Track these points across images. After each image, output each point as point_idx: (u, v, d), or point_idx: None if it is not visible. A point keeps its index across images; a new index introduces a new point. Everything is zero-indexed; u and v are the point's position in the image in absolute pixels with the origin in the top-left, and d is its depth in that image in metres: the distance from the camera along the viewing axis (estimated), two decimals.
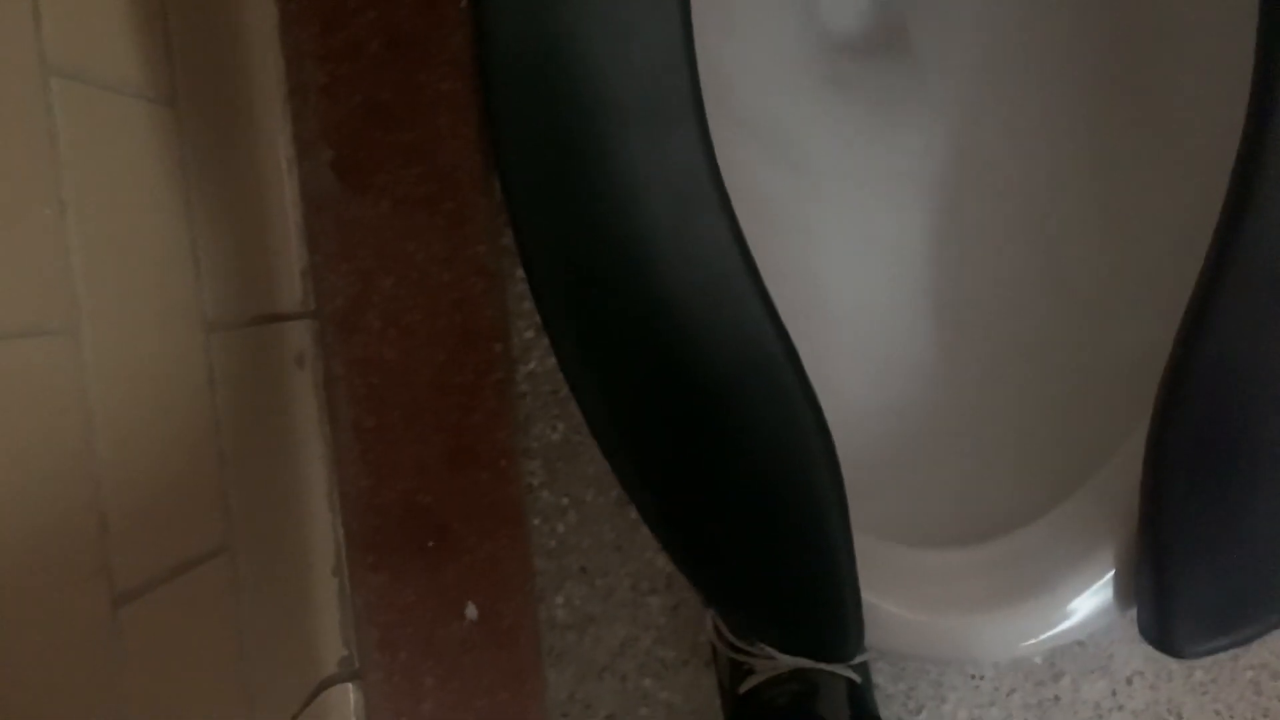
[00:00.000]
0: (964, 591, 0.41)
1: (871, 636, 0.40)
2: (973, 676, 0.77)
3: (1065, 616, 0.42)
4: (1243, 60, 0.39)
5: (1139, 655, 0.77)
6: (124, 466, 0.45)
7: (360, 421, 0.74)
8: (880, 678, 0.78)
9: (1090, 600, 0.42)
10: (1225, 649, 0.42)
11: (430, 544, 0.77)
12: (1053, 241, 0.49)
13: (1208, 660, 0.76)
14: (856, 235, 0.50)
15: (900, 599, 0.41)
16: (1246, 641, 0.42)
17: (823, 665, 0.63)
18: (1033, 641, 0.42)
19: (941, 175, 0.48)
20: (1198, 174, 0.42)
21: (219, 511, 0.60)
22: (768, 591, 0.40)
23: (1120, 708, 0.78)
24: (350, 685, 0.77)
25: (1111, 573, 0.42)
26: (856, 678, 0.67)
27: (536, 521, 0.76)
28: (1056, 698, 0.78)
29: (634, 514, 0.77)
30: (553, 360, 0.77)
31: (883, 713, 0.77)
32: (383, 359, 0.74)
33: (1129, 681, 0.78)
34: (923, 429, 0.48)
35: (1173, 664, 0.77)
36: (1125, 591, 0.43)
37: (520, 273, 0.77)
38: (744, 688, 0.66)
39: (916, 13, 0.52)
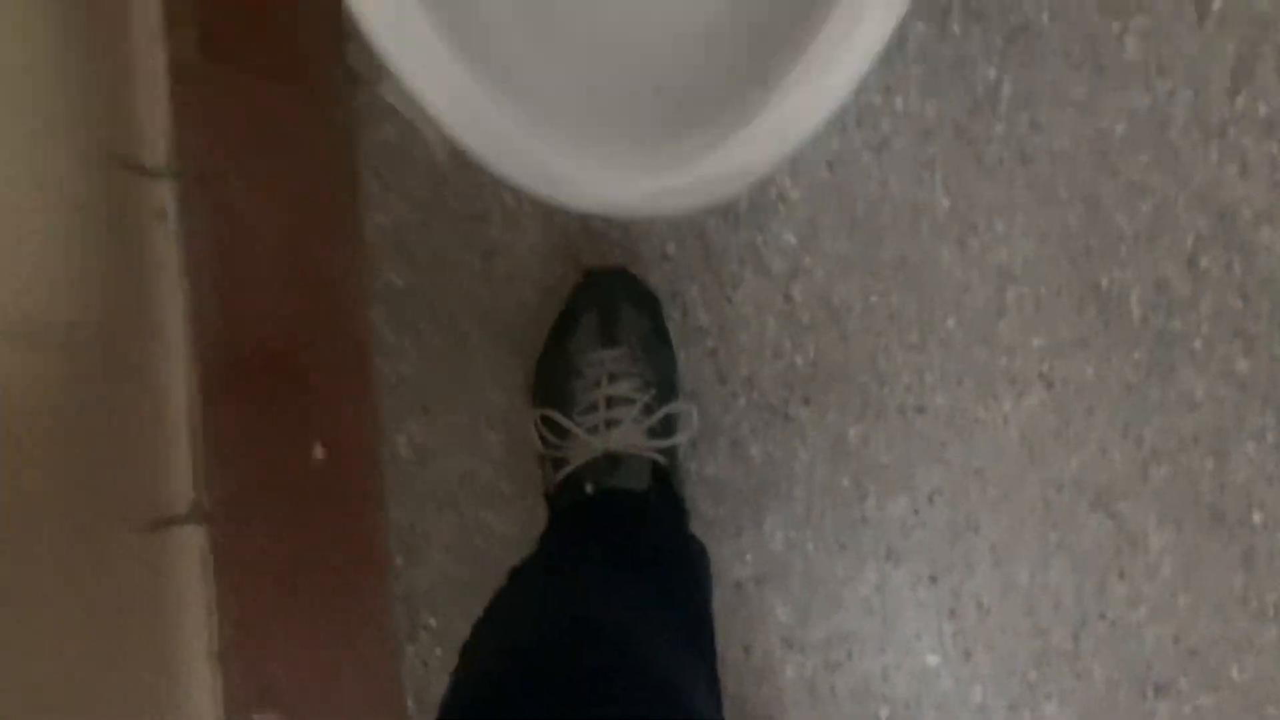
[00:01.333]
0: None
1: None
2: (785, 499, 0.85)
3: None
4: None
5: (937, 474, 0.85)
6: None
7: (216, 272, 0.81)
8: (703, 505, 0.85)
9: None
10: None
11: (280, 387, 0.83)
12: None
13: (999, 475, 0.84)
14: None
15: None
16: None
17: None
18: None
19: None
20: None
21: (64, 324, 0.66)
22: None
23: (923, 524, 0.85)
24: (198, 527, 0.81)
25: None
26: (662, 460, 0.74)
27: (379, 361, 0.83)
28: (864, 518, 0.85)
29: (474, 352, 0.85)
30: (397, 211, 0.84)
31: (704, 537, 0.84)
32: (239, 214, 0.81)
33: (930, 500, 0.85)
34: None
35: (969, 481, 0.85)
36: None
37: (366, 131, 0.85)
38: (561, 475, 0.74)
39: None
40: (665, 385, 0.78)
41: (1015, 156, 0.83)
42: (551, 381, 0.80)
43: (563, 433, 0.76)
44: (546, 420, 0.76)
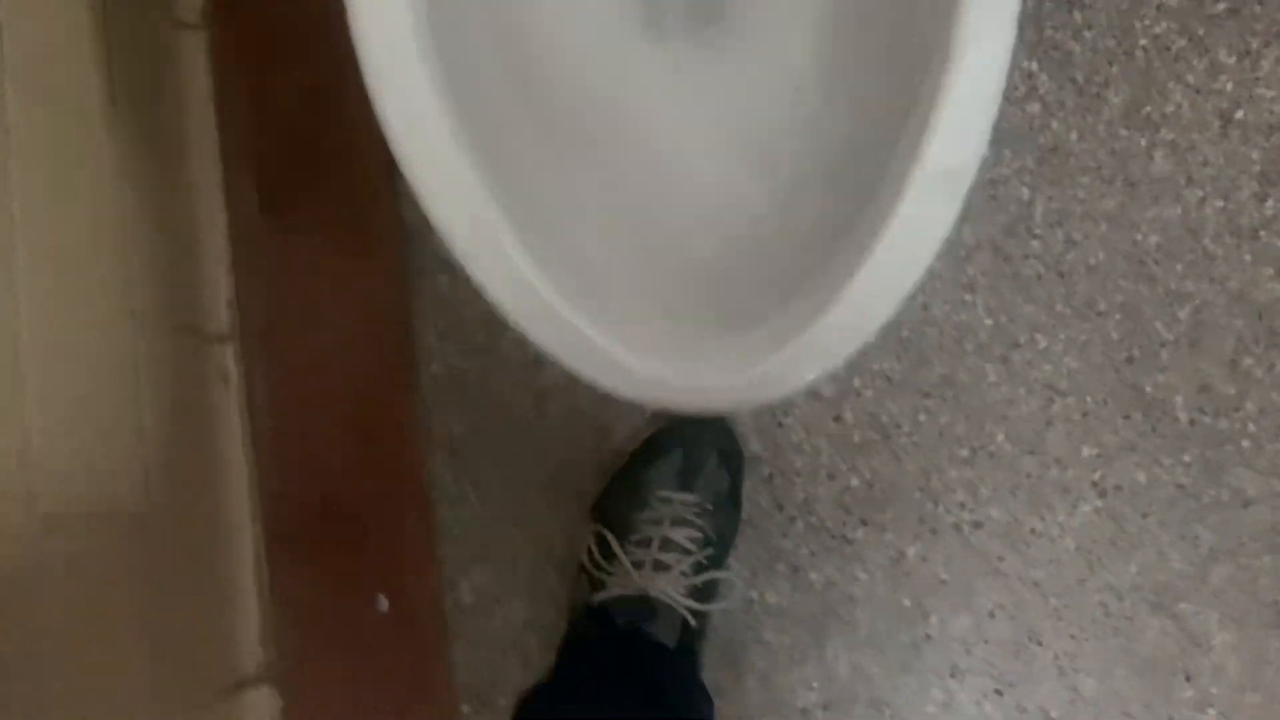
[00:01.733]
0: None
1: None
2: (847, 623, 0.85)
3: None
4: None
5: (997, 588, 0.85)
6: (48, 413, 0.53)
7: (278, 429, 0.83)
8: (766, 633, 0.85)
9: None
10: None
11: (343, 539, 0.84)
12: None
13: (1059, 585, 0.84)
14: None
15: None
16: None
17: (665, 593, 0.72)
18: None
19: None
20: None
21: (139, 483, 0.67)
22: None
23: (985, 640, 0.85)
24: (269, 688, 0.82)
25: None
26: (692, 620, 0.75)
27: (440, 508, 0.84)
28: (927, 636, 0.85)
29: (534, 496, 0.86)
30: (453, 359, 0.86)
31: (767, 666, 0.85)
32: (299, 373, 0.83)
33: (991, 614, 0.85)
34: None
35: (1029, 593, 0.85)
36: None
37: (421, 282, 0.87)
38: (597, 599, 0.74)
39: None
40: (721, 549, 0.79)
41: (1053, 273, 0.85)
42: (618, 502, 0.80)
43: (610, 555, 0.76)
44: (599, 538, 0.77)
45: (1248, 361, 0.85)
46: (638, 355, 0.52)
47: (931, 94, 0.49)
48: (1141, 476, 0.85)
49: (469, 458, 0.85)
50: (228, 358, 0.81)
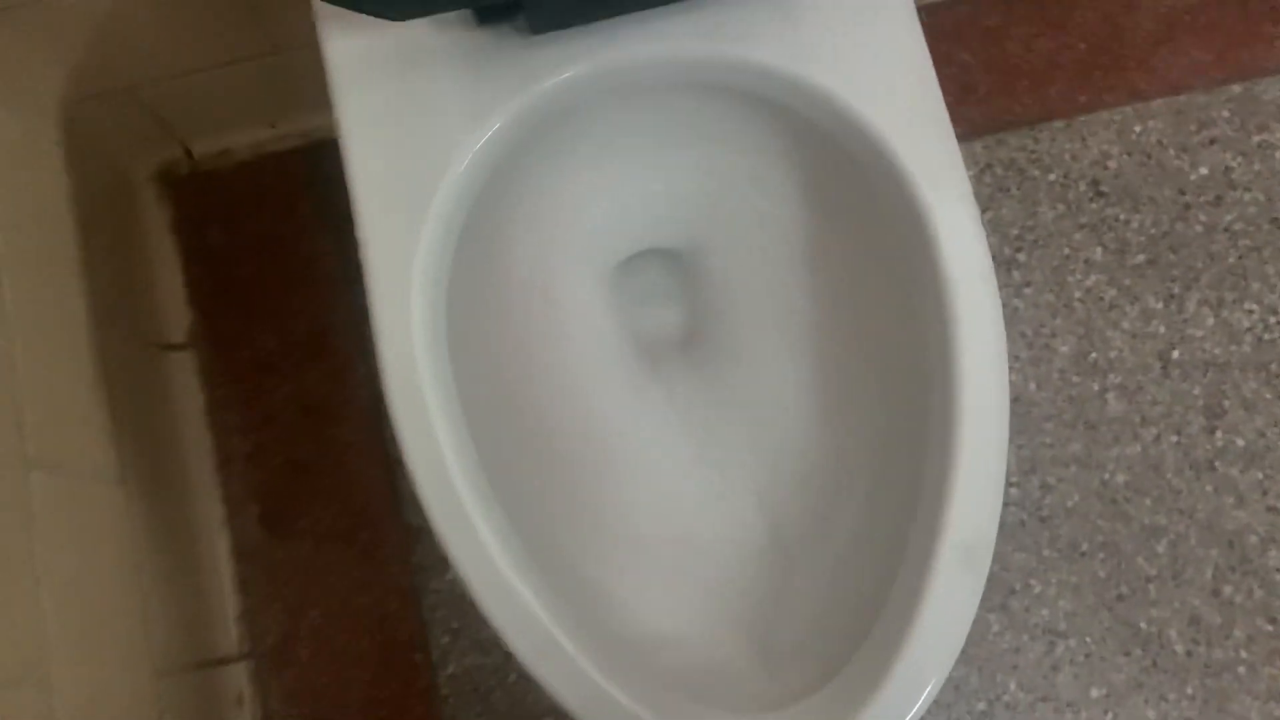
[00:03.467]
0: None
1: None
2: None
3: None
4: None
5: None
6: None
7: None
8: None
9: None
10: None
11: None
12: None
13: None
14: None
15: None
16: None
17: None
18: None
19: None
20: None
21: None
22: None
23: None
24: None
25: None
26: None
27: None
28: None
29: None
30: (470, 660, 0.84)
31: None
32: (314, 686, 0.80)
33: None
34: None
35: None
36: None
37: (428, 580, 0.86)
38: None
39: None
40: None
41: (1034, 519, 0.89)
42: None
43: None
44: None
45: (1227, 590, 0.88)
46: None
47: (944, 465, 0.53)
48: (1151, 713, 0.86)
49: None
50: (241, 678, 0.78)
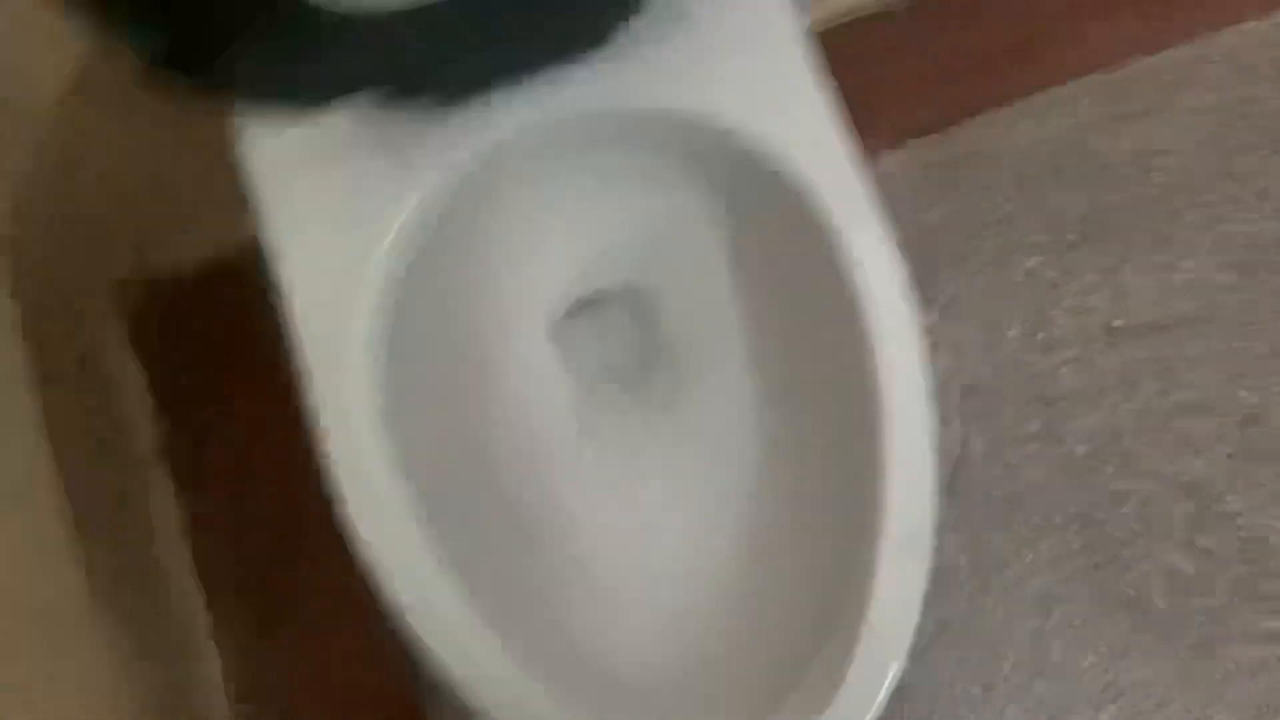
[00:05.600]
0: None
1: None
2: None
3: None
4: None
5: None
6: None
7: None
8: None
9: None
10: None
11: None
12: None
13: None
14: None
15: None
16: None
17: None
18: None
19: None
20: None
21: None
22: None
23: None
24: None
25: None
26: None
27: None
28: None
29: None
30: None
31: None
32: None
33: None
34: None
35: None
36: None
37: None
38: None
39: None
40: None
41: (1003, 501, 0.91)
42: None
43: None
44: None
45: (1201, 539, 0.91)
46: None
47: (874, 468, 0.56)
48: (1149, 671, 0.88)
49: None
50: None
